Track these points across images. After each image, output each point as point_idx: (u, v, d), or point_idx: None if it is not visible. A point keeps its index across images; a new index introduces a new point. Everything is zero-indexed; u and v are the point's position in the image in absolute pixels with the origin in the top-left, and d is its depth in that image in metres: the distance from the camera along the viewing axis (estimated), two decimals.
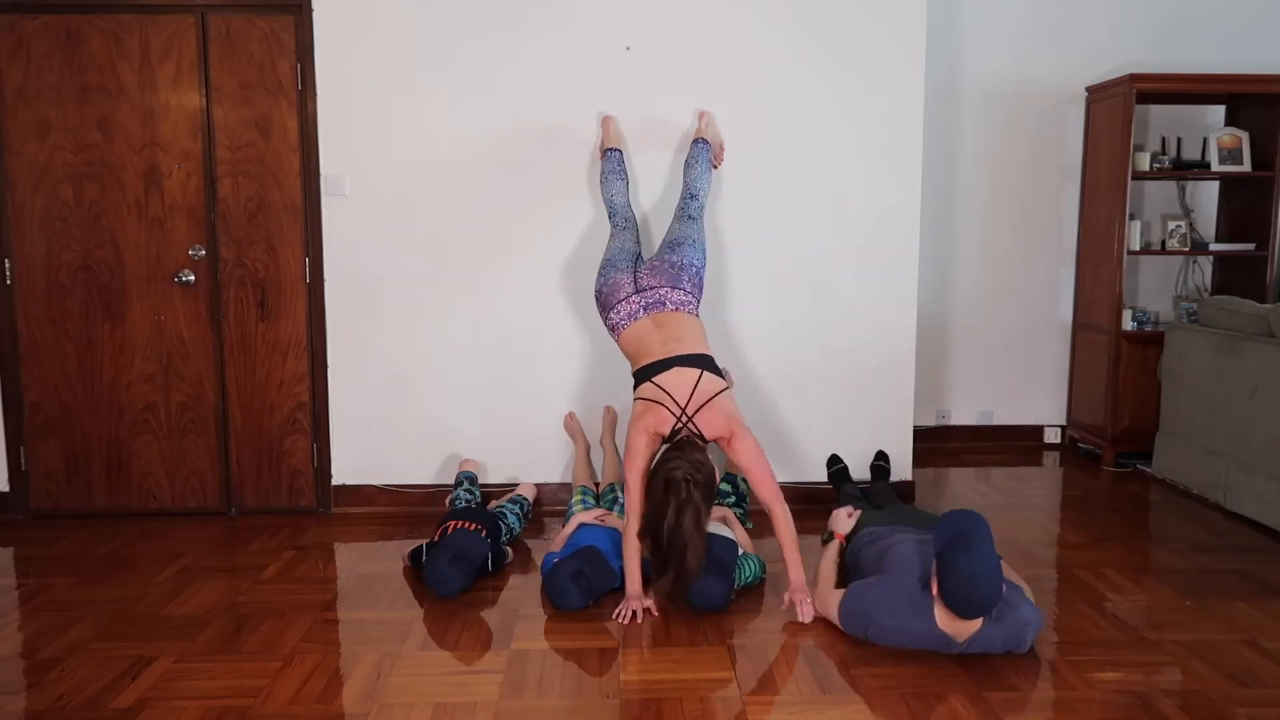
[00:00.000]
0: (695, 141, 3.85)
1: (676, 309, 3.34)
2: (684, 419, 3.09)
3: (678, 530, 2.84)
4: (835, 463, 4.11)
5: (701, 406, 3.09)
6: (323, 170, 4.02)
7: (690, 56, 4.03)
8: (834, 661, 2.73)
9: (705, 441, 3.12)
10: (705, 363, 3.18)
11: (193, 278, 4.05)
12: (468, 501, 3.84)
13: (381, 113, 4.01)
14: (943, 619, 2.66)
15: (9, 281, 4.04)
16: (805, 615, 2.98)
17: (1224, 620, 3.03)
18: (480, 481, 4.10)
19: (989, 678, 2.64)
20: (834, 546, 3.21)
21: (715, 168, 3.93)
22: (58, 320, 4.06)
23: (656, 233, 4.03)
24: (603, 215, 4.05)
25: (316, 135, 4.00)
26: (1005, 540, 3.80)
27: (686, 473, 2.90)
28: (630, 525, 3.07)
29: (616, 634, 2.95)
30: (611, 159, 3.85)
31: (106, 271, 4.04)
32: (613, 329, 3.41)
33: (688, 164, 3.81)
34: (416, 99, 4.01)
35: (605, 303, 3.44)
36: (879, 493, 3.93)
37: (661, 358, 3.18)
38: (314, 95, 3.99)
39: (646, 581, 3.10)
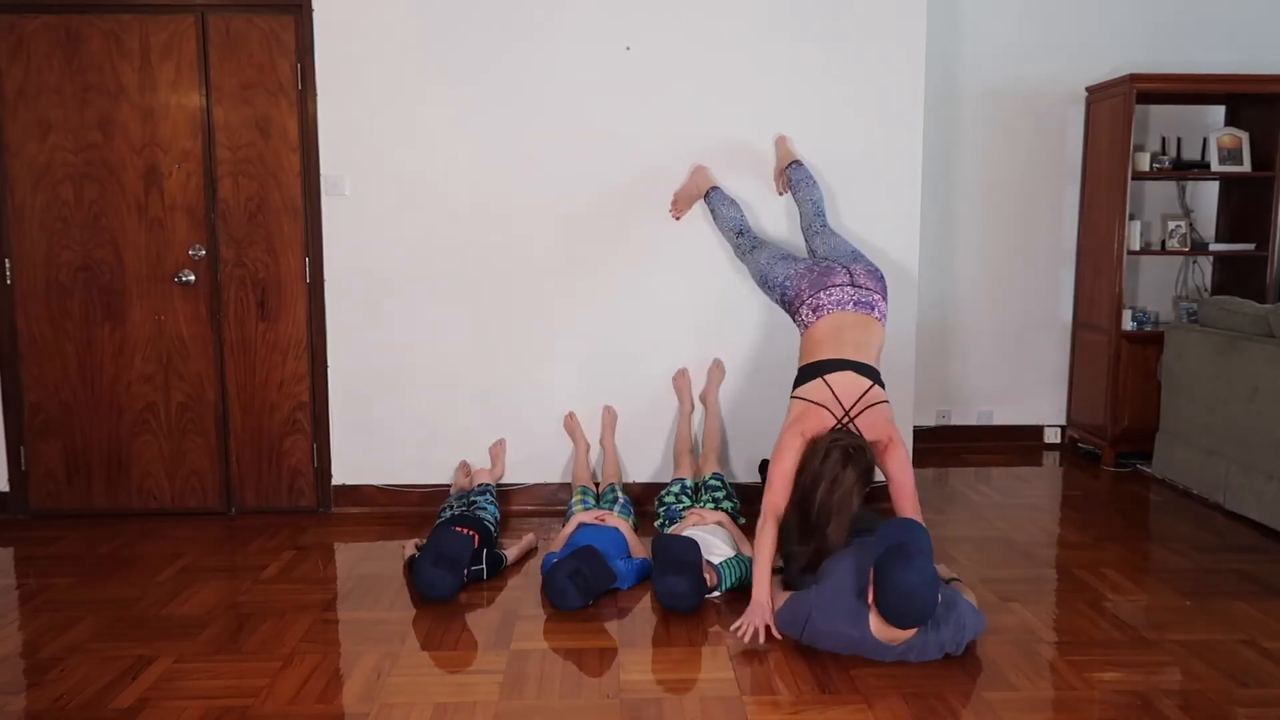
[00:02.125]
0: (793, 165, 3.90)
1: (880, 319, 3.32)
2: (846, 419, 3.07)
3: (830, 497, 2.87)
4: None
5: (866, 409, 3.07)
6: (323, 170, 4.03)
7: (690, 56, 4.03)
8: (834, 661, 2.73)
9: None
10: (876, 377, 3.16)
11: (193, 278, 4.05)
12: (459, 509, 3.80)
13: (382, 113, 4.01)
14: (877, 626, 2.67)
15: (9, 281, 4.04)
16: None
17: (1224, 620, 3.03)
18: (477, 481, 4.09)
19: (989, 678, 2.64)
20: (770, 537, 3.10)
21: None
22: (58, 320, 4.06)
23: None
24: (603, 213, 4.06)
25: (316, 135, 4.00)
26: (1005, 540, 3.81)
27: (849, 446, 2.92)
28: (766, 523, 2.99)
29: (616, 634, 2.95)
30: (715, 195, 3.90)
31: (106, 271, 4.04)
32: (815, 309, 3.29)
33: (798, 186, 3.84)
34: (417, 98, 4.01)
35: (815, 283, 3.32)
36: None
37: (841, 357, 3.14)
38: (314, 95, 3.99)
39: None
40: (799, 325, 3.37)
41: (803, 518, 2.94)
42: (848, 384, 3.09)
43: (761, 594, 2.91)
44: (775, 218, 4.11)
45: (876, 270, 3.41)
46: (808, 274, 3.37)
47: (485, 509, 3.73)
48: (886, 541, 2.66)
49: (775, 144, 4.06)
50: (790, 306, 3.41)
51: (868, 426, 3.06)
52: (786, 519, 3.00)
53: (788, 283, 3.41)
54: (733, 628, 2.89)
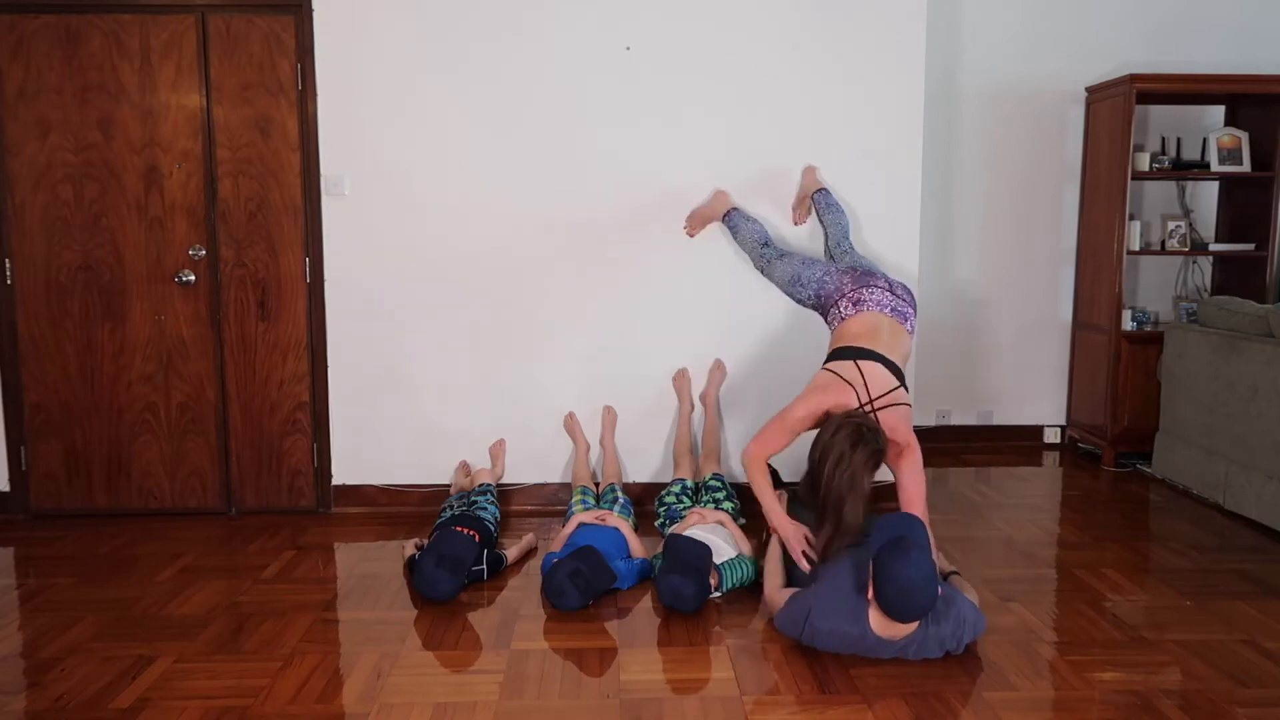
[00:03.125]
0: (821, 191, 3.92)
1: (910, 332, 3.34)
2: (869, 406, 3.06)
3: (836, 474, 2.83)
4: None
5: (888, 405, 3.07)
6: (323, 170, 4.03)
7: (690, 56, 4.03)
8: (834, 661, 2.73)
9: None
10: (903, 380, 3.19)
11: (193, 278, 4.05)
12: (460, 509, 3.81)
13: (382, 113, 4.01)
14: (877, 622, 2.67)
15: (9, 281, 4.04)
16: None
17: (1224, 620, 3.03)
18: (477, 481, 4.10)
19: (989, 678, 2.64)
20: (776, 543, 3.19)
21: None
22: (58, 320, 4.06)
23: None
24: (605, 214, 4.06)
25: (316, 135, 4.00)
26: (1005, 540, 3.81)
27: (862, 425, 2.89)
28: (753, 470, 3.11)
29: (616, 634, 2.95)
30: (735, 214, 3.91)
31: (106, 271, 4.04)
32: (856, 303, 3.32)
33: (826, 209, 3.86)
34: (417, 98, 4.01)
35: (859, 280, 3.35)
36: None
37: (876, 349, 3.16)
38: (314, 95, 3.99)
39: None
40: (833, 320, 3.38)
41: (812, 495, 2.93)
42: (878, 375, 3.11)
43: (781, 520, 3.09)
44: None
45: (909, 289, 3.46)
46: (849, 273, 3.41)
47: (485, 509, 3.73)
48: (885, 536, 2.67)
49: (802, 174, 4.07)
50: (827, 301, 3.41)
51: (888, 425, 3.04)
52: (800, 496, 3.01)
53: (826, 279, 3.43)
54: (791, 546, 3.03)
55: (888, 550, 2.61)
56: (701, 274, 4.13)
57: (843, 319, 3.32)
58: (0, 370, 4.07)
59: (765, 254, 3.77)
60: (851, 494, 2.84)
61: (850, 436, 2.86)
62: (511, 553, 3.56)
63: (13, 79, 3.94)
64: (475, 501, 3.78)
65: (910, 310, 3.37)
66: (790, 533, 3.08)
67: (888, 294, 3.33)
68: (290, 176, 4.02)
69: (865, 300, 3.31)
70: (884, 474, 4.14)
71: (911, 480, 3.09)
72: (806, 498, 2.98)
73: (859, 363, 3.13)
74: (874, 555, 2.64)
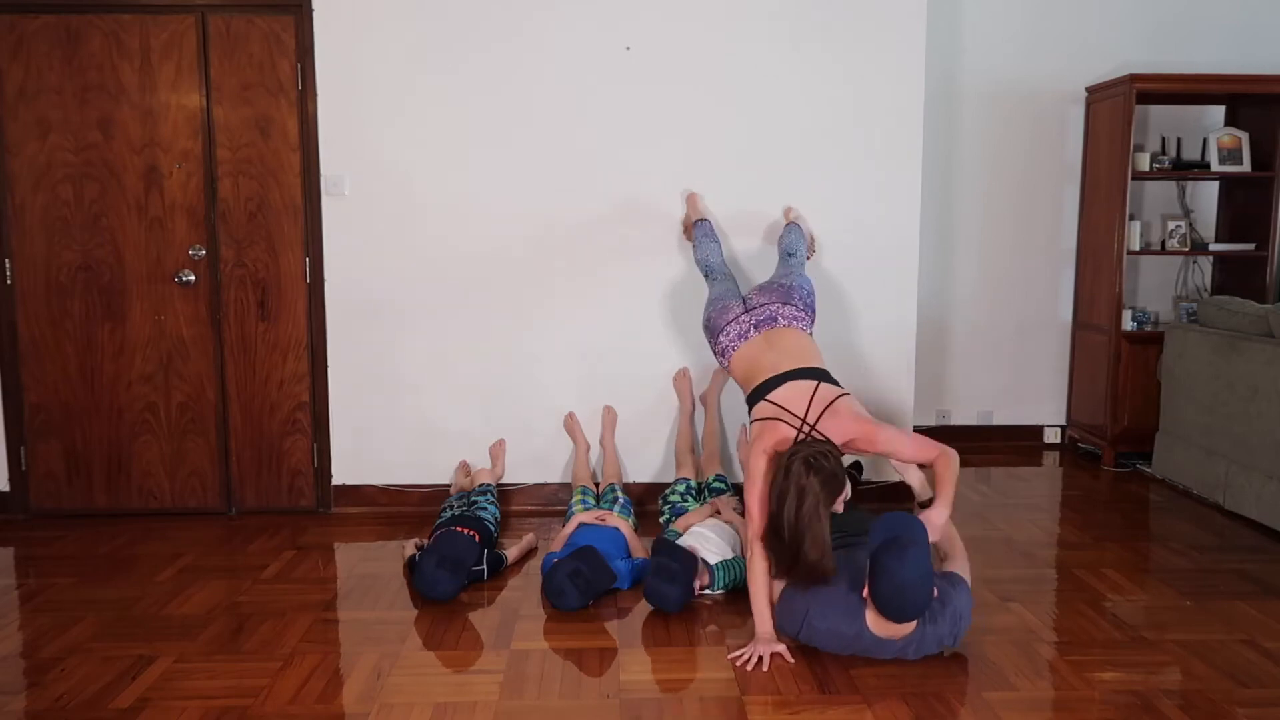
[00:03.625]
0: (790, 225, 3.89)
1: (789, 324, 3.23)
2: (806, 428, 2.91)
3: (796, 518, 2.66)
4: None
5: (823, 412, 2.90)
6: (323, 170, 4.03)
7: (690, 55, 4.03)
8: (834, 661, 2.73)
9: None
10: (820, 375, 3.03)
11: (193, 278, 4.05)
12: (460, 509, 3.80)
13: (382, 113, 4.01)
14: (874, 622, 2.67)
15: (9, 281, 4.04)
16: None
17: (1224, 620, 3.03)
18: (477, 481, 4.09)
19: (989, 678, 2.64)
20: (761, 569, 2.97)
21: (808, 258, 3.93)
22: (58, 320, 4.06)
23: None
24: (605, 213, 4.07)
25: (316, 135, 4.00)
26: (1005, 540, 3.81)
27: (809, 455, 2.72)
28: (754, 553, 2.85)
29: (616, 634, 2.95)
30: (702, 227, 3.85)
31: (106, 271, 4.04)
32: (723, 353, 3.30)
33: (781, 237, 3.82)
34: (417, 98, 4.01)
35: (714, 327, 3.36)
36: None
37: (773, 374, 3.04)
38: (314, 95, 3.99)
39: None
40: (720, 354, 3.37)
41: (778, 542, 2.73)
42: (791, 393, 2.96)
43: (764, 627, 2.82)
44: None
45: (779, 282, 3.40)
46: (711, 316, 3.42)
47: (486, 509, 3.73)
48: (881, 536, 2.66)
49: (784, 213, 4.07)
50: (714, 329, 3.41)
51: (835, 430, 2.88)
52: (768, 548, 2.82)
53: (706, 324, 3.46)
54: (731, 656, 2.77)
55: (883, 550, 2.60)
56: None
57: (727, 368, 3.32)
58: (0, 370, 4.07)
59: (709, 279, 3.69)
60: (812, 529, 2.66)
61: (802, 469, 2.70)
62: (511, 553, 3.56)
63: (13, 79, 3.94)
64: (475, 502, 3.78)
65: (776, 305, 3.26)
66: (764, 639, 2.80)
67: (742, 318, 3.27)
68: (290, 176, 4.02)
69: (727, 348, 3.27)
70: (886, 475, 4.21)
71: (898, 446, 2.91)
72: (772, 544, 2.78)
73: (768, 399, 2.99)
74: (870, 554, 2.63)
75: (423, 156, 4.04)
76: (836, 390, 2.98)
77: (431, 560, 3.16)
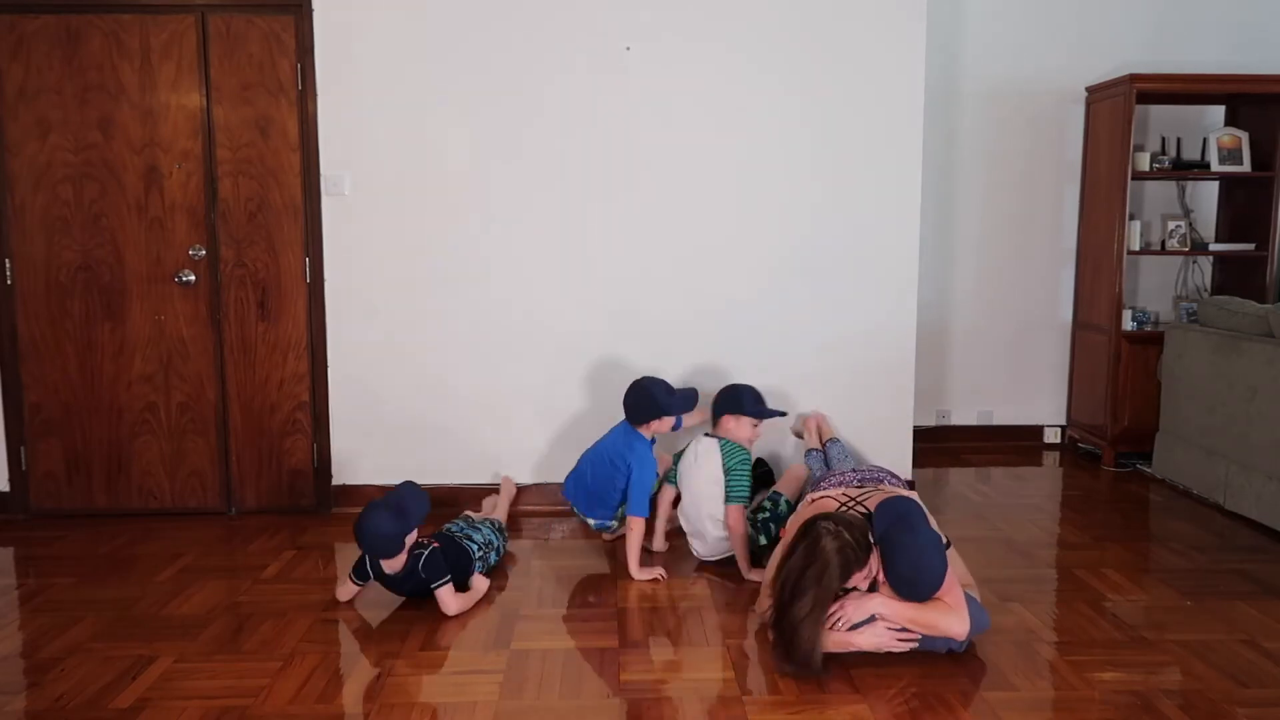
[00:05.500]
0: (832, 441, 3.95)
1: (885, 486, 3.20)
2: (851, 503, 2.92)
3: (805, 568, 2.57)
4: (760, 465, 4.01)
5: (872, 494, 2.97)
6: (323, 170, 4.03)
7: (690, 55, 4.03)
8: (834, 661, 2.73)
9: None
10: (888, 478, 3.28)
11: (193, 278, 4.05)
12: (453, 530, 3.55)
13: (382, 113, 4.01)
14: (890, 607, 2.67)
15: (9, 281, 4.04)
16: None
17: (1224, 620, 3.04)
18: (473, 480, 4.11)
19: (989, 678, 2.64)
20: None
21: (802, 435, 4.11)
22: (58, 320, 4.06)
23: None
24: (605, 213, 4.08)
25: (316, 135, 4.00)
26: (1005, 540, 3.81)
27: (836, 525, 2.63)
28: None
29: (616, 633, 2.95)
30: (813, 457, 3.87)
31: (106, 271, 4.04)
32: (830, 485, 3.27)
33: (829, 446, 3.91)
34: (417, 98, 4.01)
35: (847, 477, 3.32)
36: None
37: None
38: (314, 95, 3.99)
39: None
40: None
41: (777, 597, 2.64)
42: (848, 489, 3.10)
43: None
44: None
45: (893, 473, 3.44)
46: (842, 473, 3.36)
47: (473, 537, 3.44)
48: (886, 519, 2.69)
49: (808, 420, 4.11)
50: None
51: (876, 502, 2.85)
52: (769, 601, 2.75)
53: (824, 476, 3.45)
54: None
55: (894, 527, 2.63)
56: (706, 275, 4.13)
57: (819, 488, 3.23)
58: (0, 370, 4.07)
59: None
60: (812, 591, 2.55)
61: (827, 534, 2.60)
62: (500, 507, 3.89)
63: (13, 79, 3.94)
64: (469, 535, 3.48)
65: (886, 474, 3.31)
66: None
67: (883, 473, 3.32)
68: (290, 176, 4.02)
69: (836, 484, 3.22)
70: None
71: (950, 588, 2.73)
72: (772, 603, 2.69)
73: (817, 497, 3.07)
74: (879, 537, 2.66)
75: (423, 156, 4.04)
76: (894, 486, 3.14)
77: (378, 503, 3.03)
